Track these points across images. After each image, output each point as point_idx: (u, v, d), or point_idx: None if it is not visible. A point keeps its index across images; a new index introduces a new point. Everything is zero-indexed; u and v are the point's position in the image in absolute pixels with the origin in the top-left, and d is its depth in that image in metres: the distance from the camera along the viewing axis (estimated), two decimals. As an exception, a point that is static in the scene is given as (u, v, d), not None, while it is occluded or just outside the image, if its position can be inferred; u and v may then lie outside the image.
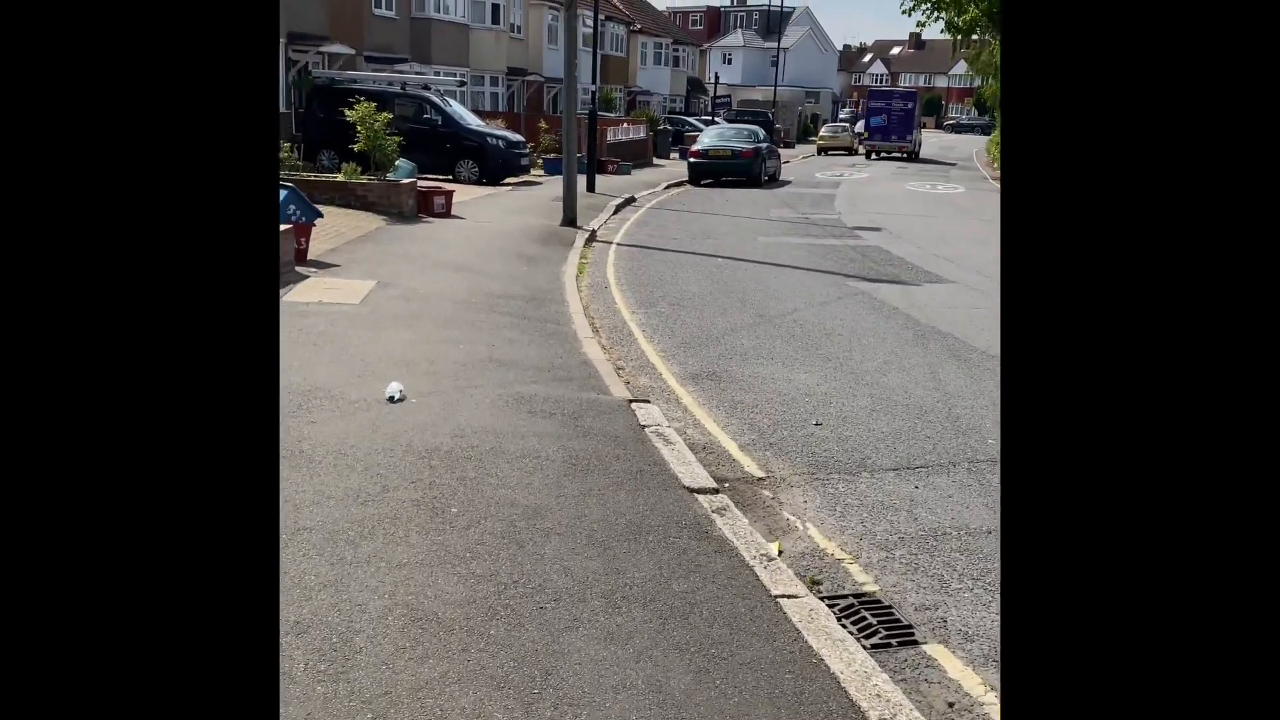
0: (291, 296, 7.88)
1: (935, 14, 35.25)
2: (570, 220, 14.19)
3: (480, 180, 20.05)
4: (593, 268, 11.28)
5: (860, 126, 48.22)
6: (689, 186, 23.92)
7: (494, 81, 33.34)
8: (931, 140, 54.68)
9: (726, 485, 4.61)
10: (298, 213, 9.24)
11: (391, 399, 5.19)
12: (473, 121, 21.05)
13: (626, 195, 19.93)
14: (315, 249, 9.93)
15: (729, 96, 53.02)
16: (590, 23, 41.89)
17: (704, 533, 3.79)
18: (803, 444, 5.31)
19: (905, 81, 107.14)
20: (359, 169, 13.65)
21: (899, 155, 39.28)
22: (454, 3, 30.10)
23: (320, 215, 9.77)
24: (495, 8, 32.54)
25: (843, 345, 7.59)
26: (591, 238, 13.53)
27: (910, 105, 41.12)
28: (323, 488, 3.88)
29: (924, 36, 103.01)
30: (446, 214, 14.03)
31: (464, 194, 17.46)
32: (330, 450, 4.36)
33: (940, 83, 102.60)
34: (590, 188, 19.85)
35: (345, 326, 6.95)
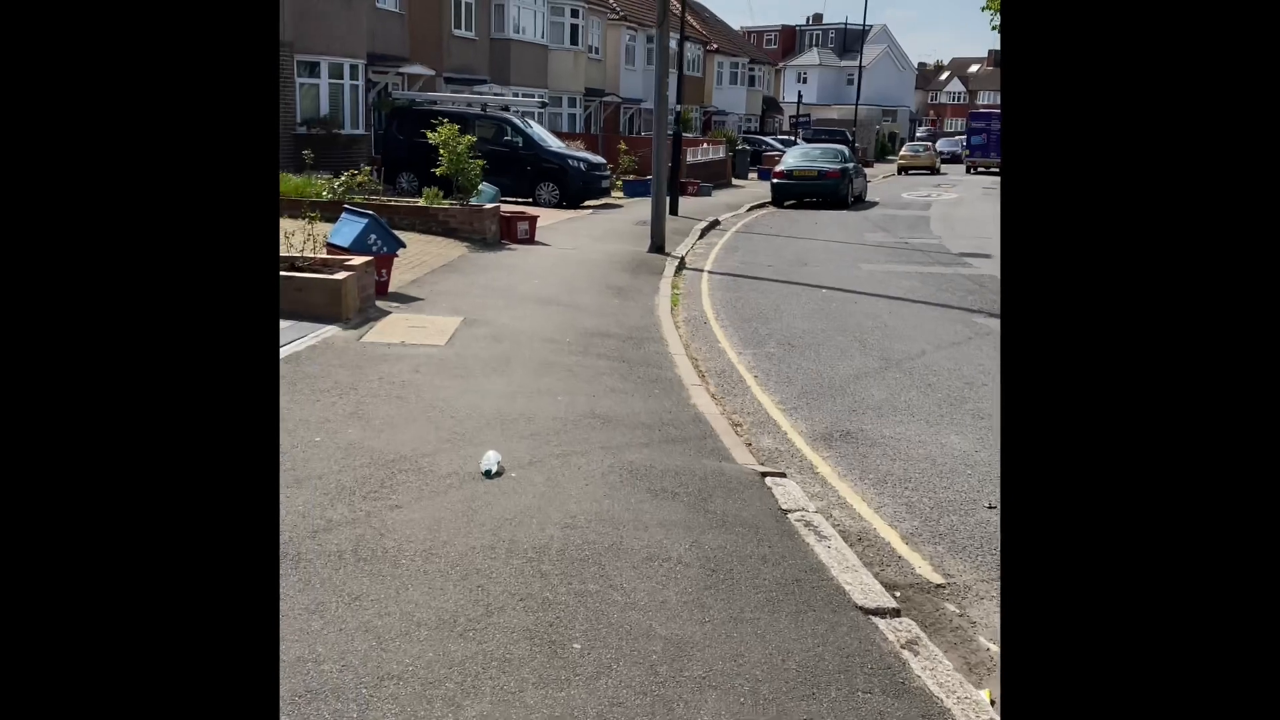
0: (373, 336, 7.22)
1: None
2: (658, 247, 13.41)
3: (560, 203, 19.46)
4: (687, 299, 10.46)
5: (942, 145, 48.00)
6: (772, 208, 23.04)
7: (571, 103, 32.92)
8: None
9: (899, 594, 3.72)
10: (379, 243, 8.62)
11: (488, 474, 4.41)
12: (553, 143, 20.50)
13: (710, 218, 19.13)
14: (397, 279, 9.31)
15: (808, 116, 51.97)
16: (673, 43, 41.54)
17: (899, 683, 2.90)
18: (979, 534, 4.39)
19: (983, 99, 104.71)
20: (440, 193, 13.09)
21: (996, 171, 40.61)
22: (533, 24, 29.78)
23: (403, 245, 9.15)
24: (574, 28, 32.15)
25: (990, 398, 6.62)
26: (681, 265, 12.73)
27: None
28: (412, 610, 3.10)
29: None
30: (530, 240, 13.38)
31: (545, 218, 16.84)
32: (420, 549, 3.58)
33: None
34: (673, 210, 19.08)
35: (431, 374, 6.24)
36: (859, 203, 24.43)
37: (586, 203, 20.12)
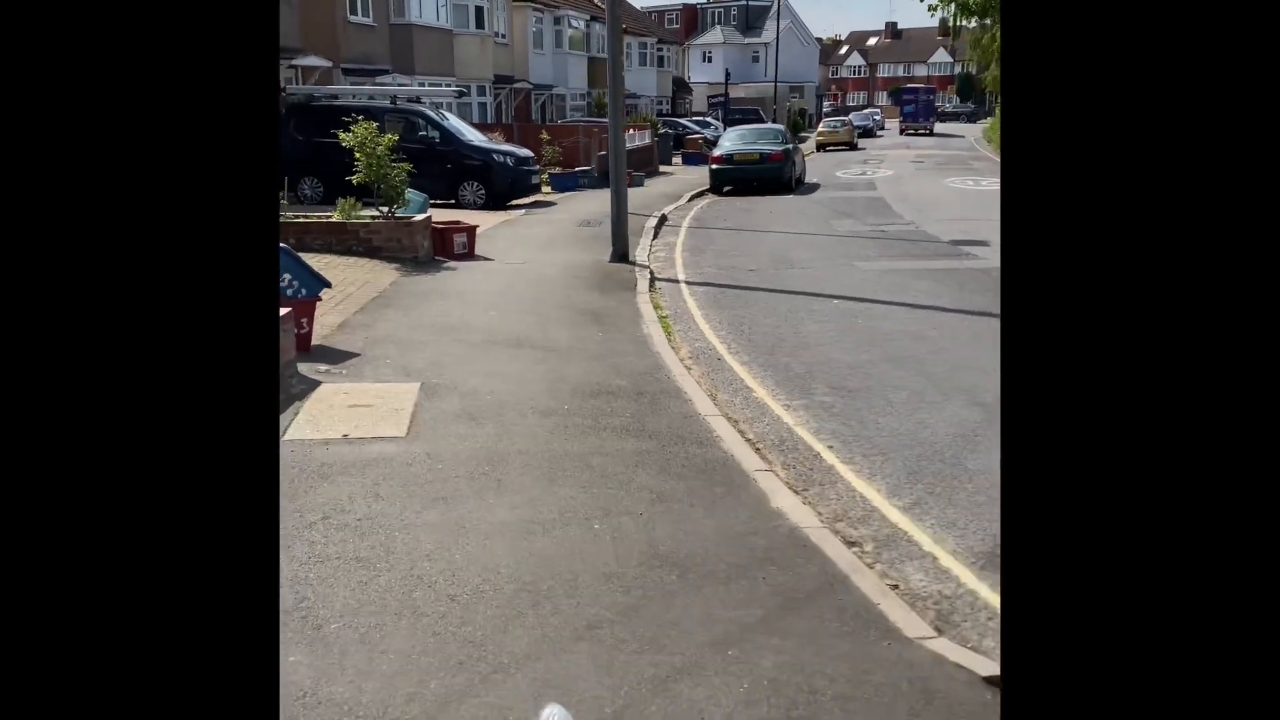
0: (303, 429, 5.16)
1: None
2: (621, 254, 11.49)
3: (487, 204, 17.34)
4: (679, 324, 8.60)
5: (855, 119, 48.47)
6: (713, 196, 21.28)
7: (481, 91, 30.57)
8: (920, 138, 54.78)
9: None
10: (295, 285, 6.52)
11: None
12: (474, 137, 18.33)
13: (657, 212, 17.24)
14: (322, 324, 7.22)
15: (724, 95, 50.49)
16: (575, 24, 39.36)
17: None
18: None
19: (884, 71, 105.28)
20: (357, 203, 10.91)
21: (924, 132, 53.46)
22: (435, 8, 27.36)
23: (328, 285, 7.04)
24: (479, 11, 29.81)
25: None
26: (652, 277, 10.85)
27: (930, 96, 58.49)
28: None
29: (938, 22, 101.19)
30: (470, 255, 11.31)
31: (474, 222, 14.73)
32: None
33: (919, 71, 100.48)
34: (617, 207, 17.16)
35: (398, 499, 4.25)
36: (801, 185, 22.87)
37: (515, 201, 18.04)
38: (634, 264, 11.39)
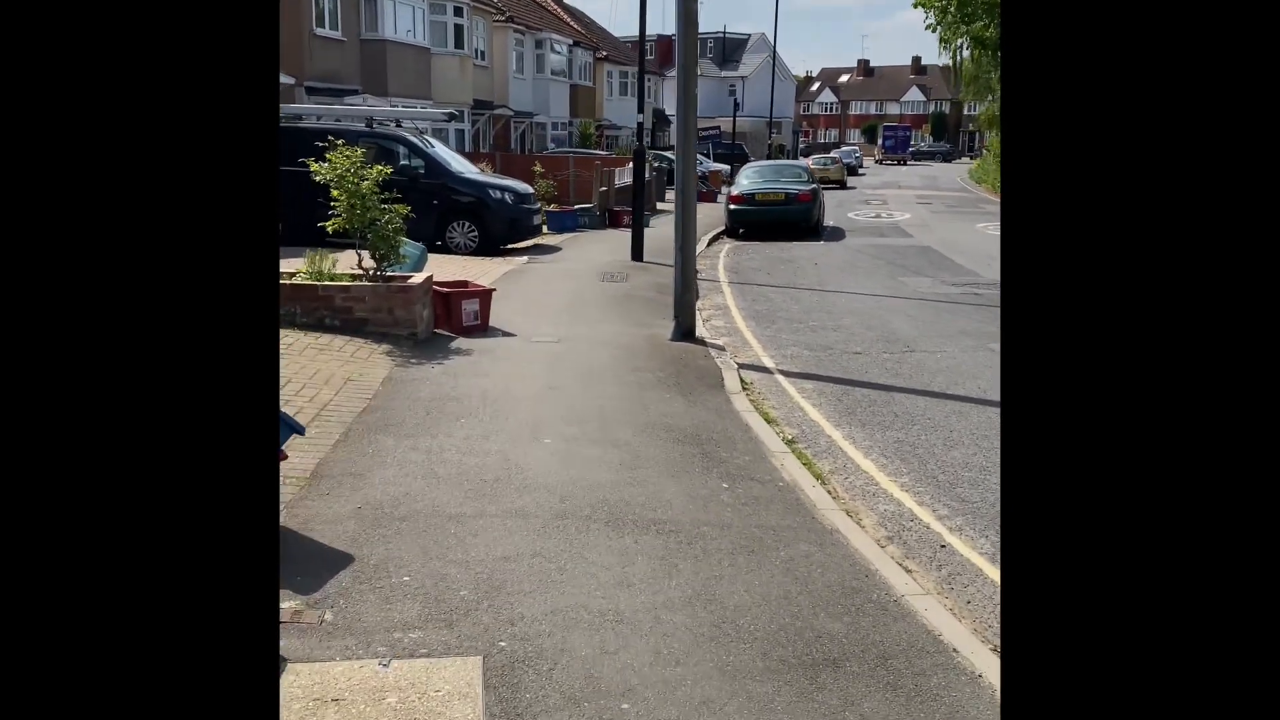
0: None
1: (962, 28, 30.97)
2: (688, 330, 8.64)
3: (480, 249, 14.45)
4: (821, 455, 5.78)
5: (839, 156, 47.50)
6: (733, 241, 18.57)
7: (457, 117, 27.70)
8: (901, 172, 54.90)
9: None
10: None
11: None
12: (465, 169, 15.45)
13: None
14: (287, 473, 4.28)
15: (716, 129, 48.22)
16: (558, 49, 36.73)
17: None
18: None
19: (856, 109, 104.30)
20: (331, 258, 7.97)
21: (898, 163, 65.69)
22: (411, 22, 24.53)
23: (298, 431, 4.06)
24: (458, 29, 27.05)
25: None
26: (737, 365, 8.01)
27: (906, 133, 73.48)
28: None
29: (923, 61, 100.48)
30: (483, 327, 8.38)
31: (472, 272, 11.81)
32: None
33: (892, 109, 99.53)
34: (637, 254, 14.36)
35: None
36: (824, 230, 20.29)
37: (512, 244, 15.16)
38: (703, 343, 8.54)
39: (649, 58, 72.58)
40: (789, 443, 5.92)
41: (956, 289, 12.32)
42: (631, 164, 24.90)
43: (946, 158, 77.61)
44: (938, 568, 4.30)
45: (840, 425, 6.38)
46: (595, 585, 3.69)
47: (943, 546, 4.51)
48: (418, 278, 7.91)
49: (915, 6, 31.05)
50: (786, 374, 7.83)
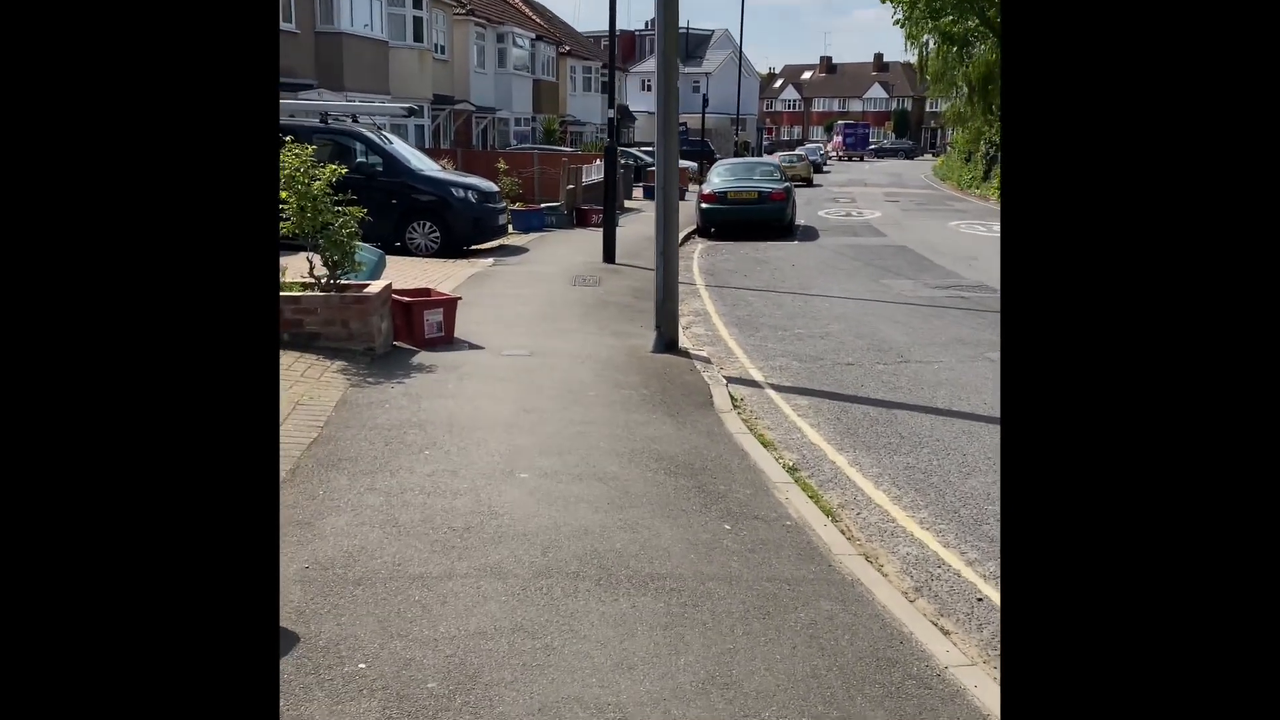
0: None
1: (929, 23, 30.67)
2: (671, 341, 8.04)
3: (442, 250, 13.76)
4: (827, 485, 5.22)
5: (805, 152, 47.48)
6: (705, 241, 18.00)
7: (417, 112, 26.89)
8: (864, 169, 55.04)
9: None
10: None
11: None
12: (426, 166, 14.72)
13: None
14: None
15: (684, 125, 47.62)
16: (520, 43, 35.93)
17: None
18: None
19: (819, 106, 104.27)
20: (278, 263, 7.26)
21: (858, 158, 69.27)
22: (368, 14, 23.66)
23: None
24: (417, 22, 26.20)
25: None
26: (725, 379, 7.43)
27: (865, 131, 76.93)
28: None
29: (885, 58, 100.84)
30: (448, 340, 7.72)
31: (429, 274, 11.14)
32: None
33: (854, 106, 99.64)
34: (609, 256, 13.74)
35: None
36: (797, 229, 19.80)
37: (476, 246, 14.49)
38: (686, 354, 7.95)
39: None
40: (791, 470, 5.35)
41: (941, 292, 11.84)
42: (598, 161, 24.33)
43: (909, 155, 77.80)
44: (978, 628, 3.75)
45: (844, 449, 5.82)
46: (590, 669, 3.08)
47: (979, 599, 3.96)
48: (375, 286, 7.23)
49: (882, 1, 30.70)
50: (778, 388, 7.27)
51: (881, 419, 6.43)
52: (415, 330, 7.54)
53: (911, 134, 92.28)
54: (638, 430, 5.76)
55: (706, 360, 7.82)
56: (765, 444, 5.81)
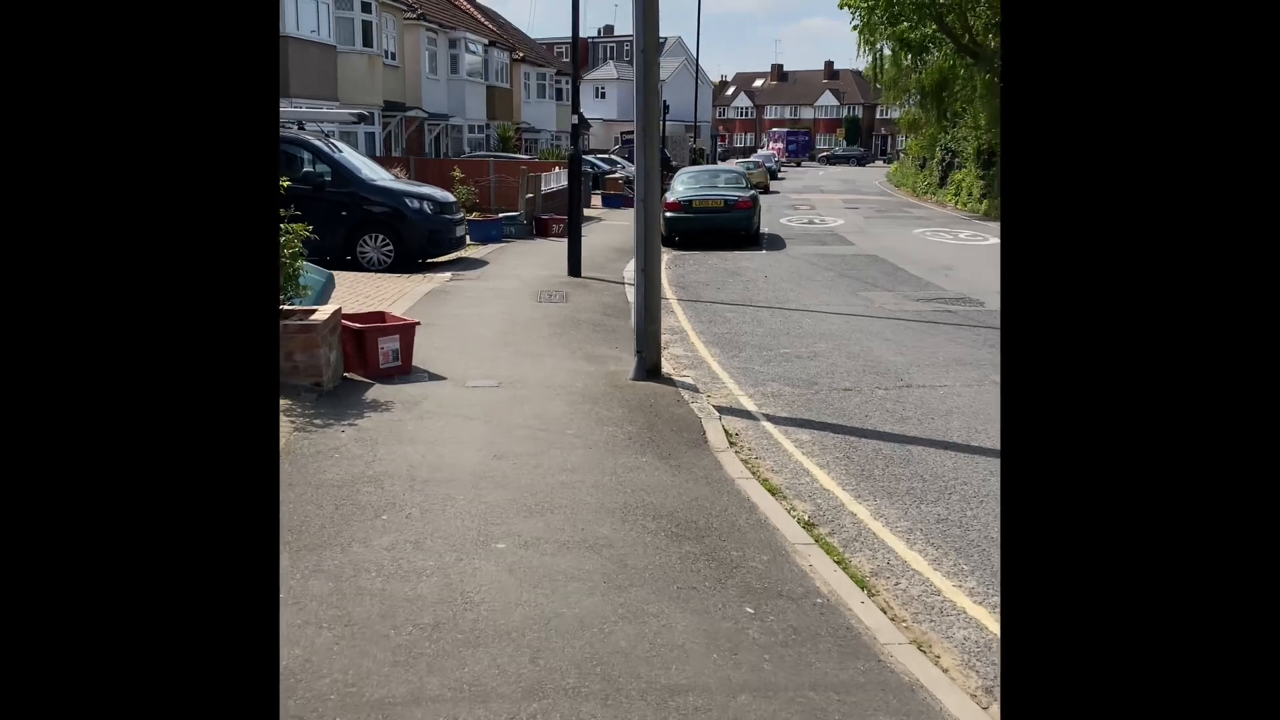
0: None
1: (887, 29, 30.37)
2: (654, 367, 7.29)
3: (396, 265, 12.91)
4: (852, 547, 4.52)
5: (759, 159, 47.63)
6: (671, 251, 17.26)
7: (368, 118, 25.87)
8: (819, 175, 55.28)
9: None
10: None
11: None
12: (378, 175, 13.85)
13: (629, 278, 13.13)
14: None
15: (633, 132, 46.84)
16: (473, 49, 35.00)
17: None
18: None
19: (771, 113, 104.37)
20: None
21: (798, 165, 69.05)
22: (316, 19, 22.66)
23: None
24: (366, 26, 25.24)
25: None
26: (717, 410, 6.71)
27: (807, 138, 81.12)
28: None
29: (835, 66, 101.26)
30: (404, 370, 6.90)
31: (383, 291, 10.30)
32: None
33: (806, 114, 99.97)
34: (574, 269, 12.97)
35: None
36: (764, 239, 19.21)
37: (432, 259, 13.65)
38: (670, 381, 7.22)
39: (565, 60, 71.53)
40: (808, 527, 4.64)
41: (926, 305, 11.27)
42: (557, 169, 23.53)
43: (861, 161, 78.21)
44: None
45: (862, 496, 5.13)
46: (609, 846, 2.33)
47: None
48: (323, 312, 6.39)
49: (841, 7, 30.29)
50: (774, 420, 6.57)
51: (897, 457, 5.75)
52: (369, 360, 6.71)
53: (863, 141, 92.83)
54: (627, 478, 5.01)
55: (693, 388, 7.10)
56: (773, 491, 5.10)
